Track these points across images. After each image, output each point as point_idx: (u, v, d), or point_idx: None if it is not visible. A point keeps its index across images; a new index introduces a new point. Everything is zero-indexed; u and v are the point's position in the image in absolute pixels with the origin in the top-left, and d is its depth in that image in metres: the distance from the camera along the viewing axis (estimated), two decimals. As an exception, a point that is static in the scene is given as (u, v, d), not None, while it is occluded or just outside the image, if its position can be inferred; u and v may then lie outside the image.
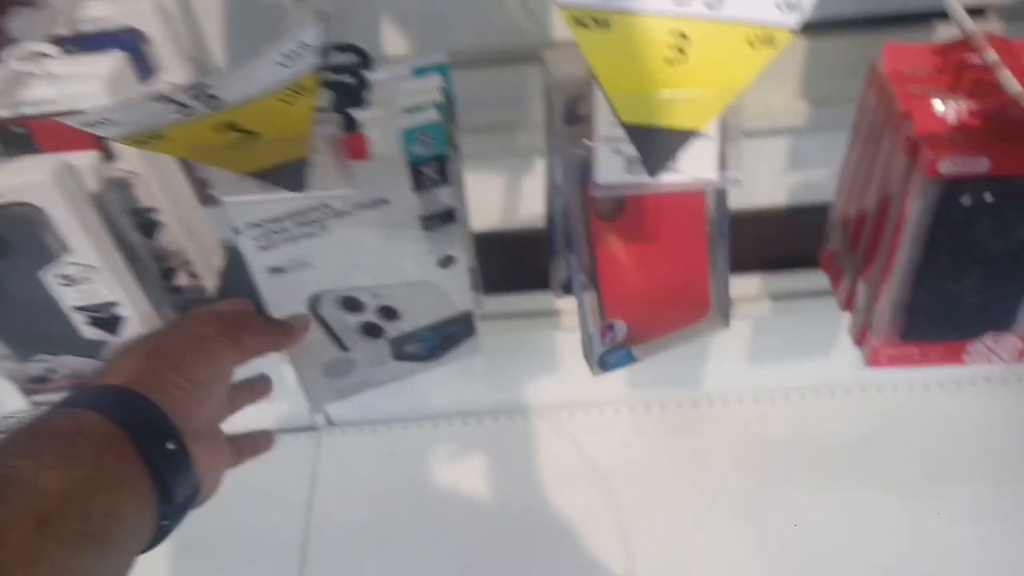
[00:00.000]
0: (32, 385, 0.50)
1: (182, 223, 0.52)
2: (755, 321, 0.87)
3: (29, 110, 0.45)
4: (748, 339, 0.89)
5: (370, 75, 0.42)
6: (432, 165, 0.42)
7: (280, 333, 0.47)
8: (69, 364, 0.49)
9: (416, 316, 0.51)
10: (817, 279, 0.80)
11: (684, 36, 0.30)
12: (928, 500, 0.84)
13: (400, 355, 0.53)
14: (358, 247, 0.46)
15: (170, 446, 0.37)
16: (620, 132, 0.31)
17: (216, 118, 0.31)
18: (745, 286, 0.78)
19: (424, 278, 0.49)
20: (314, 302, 0.48)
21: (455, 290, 0.50)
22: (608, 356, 0.52)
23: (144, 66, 0.51)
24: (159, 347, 0.41)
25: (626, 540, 0.87)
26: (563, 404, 0.92)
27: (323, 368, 0.52)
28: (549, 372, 0.90)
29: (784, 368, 0.92)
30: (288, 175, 0.34)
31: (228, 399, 0.46)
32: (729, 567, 0.85)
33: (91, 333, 0.48)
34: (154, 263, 0.52)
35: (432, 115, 0.40)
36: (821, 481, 0.86)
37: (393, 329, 0.51)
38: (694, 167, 0.31)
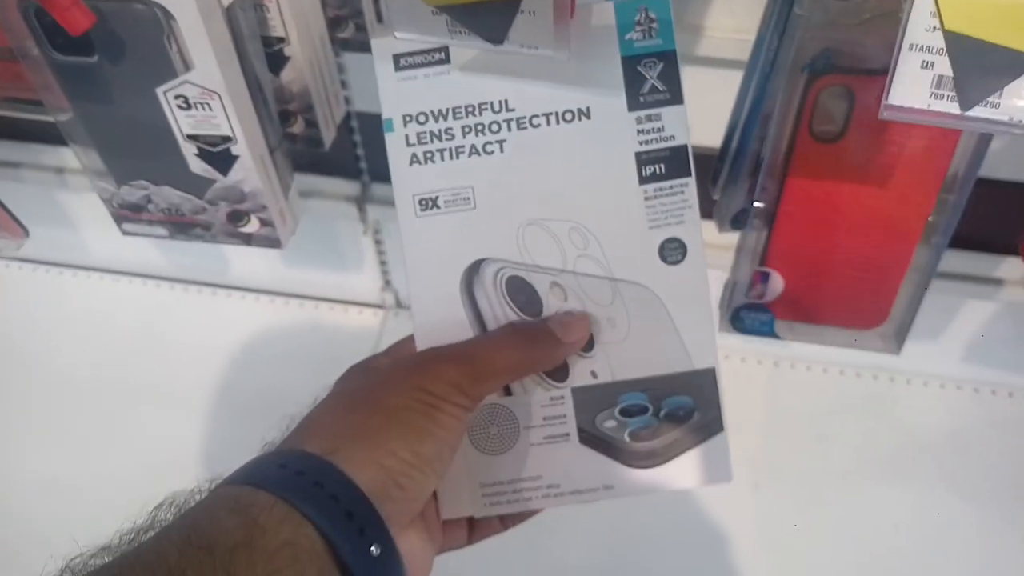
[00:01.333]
0: (125, 212, 0.46)
1: (310, 63, 0.46)
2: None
3: None
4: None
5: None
6: (653, 64, 0.33)
7: (536, 352, 0.33)
8: (168, 197, 0.44)
9: (618, 353, 0.34)
10: (950, 260, 0.72)
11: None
12: (1012, 517, 0.78)
13: (589, 433, 0.34)
14: (542, 185, 0.34)
15: (375, 550, 0.27)
16: (937, 41, 0.24)
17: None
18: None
19: (636, 275, 0.34)
20: (472, 278, 0.34)
21: (687, 318, 0.34)
22: (747, 313, 0.45)
23: None
24: (376, 401, 0.30)
25: (666, 496, 0.82)
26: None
27: (469, 422, 0.34)
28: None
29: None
30: (488, 18, 0.27)
31: None
32: (774, 539, 0.81)
33: (198, 167, 0.43)
34: (274, 102, 0.46)
35: None
36: (898, 472, 0.81)
37: (581, 368, 0.34)
38: (1021, 106, 0.24)
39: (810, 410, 0.85)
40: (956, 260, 0.71)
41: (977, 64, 0.24)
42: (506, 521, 0.36)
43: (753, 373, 0.87)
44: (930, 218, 0.38)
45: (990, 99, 0.25)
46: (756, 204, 0.38)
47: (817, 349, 0.87)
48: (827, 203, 0.38)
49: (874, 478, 0.80)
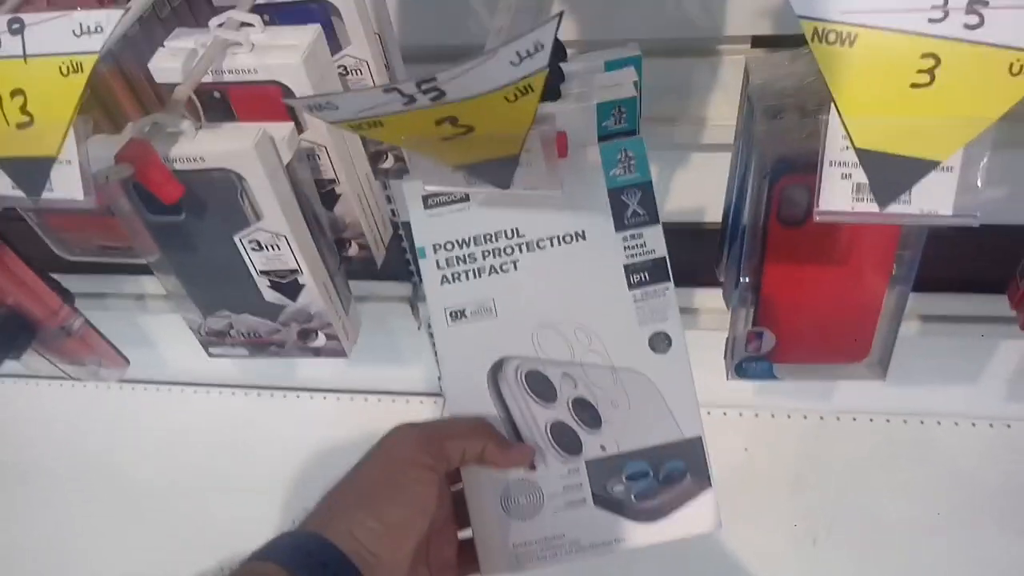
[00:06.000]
0: (211, 338, 0.53)
1: (358, 196, 0.54)
2: (900, 340, 0.83)
3: (229, 77, 0.47)
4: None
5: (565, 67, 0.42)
6: (633, 193, 0.40)
7: (492, 438, 0.40)
8: (247, 323, 0.52)
9: (621, 429, 0.41)
10: (970, 304, 0.75)
11: (936, 59, 0.28)
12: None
13: (602, 496, 0.42)
14: (550, 295, 0.41)
15: None
16: (851, 157, 0.30)
17: (438, 111, 0.31)
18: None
19: (632, 364, 0.41)
20: (497, 374, 0.41)
21: (675, 396, 0.41)
22: (748, 364, 0.50)
23: (334, 39, 0.52)
24: (353, 481, 0.37)
25: (730, 552, 0.84)
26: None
27: (502, 495, 0.42)
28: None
29: (923, 391, 0.87)
30: (495, 170, 0.34)
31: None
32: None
33: (271, 296, 0.50)
34: (331, 233, 0.53)
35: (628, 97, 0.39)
36: (948, 515, 0.81)
37: (592, 443, 0.41)
38: (928, 200, 0.29)
39: (857, 461, 0.87)
40: (970, 304, 0.74)
41: (886, 172, 0.30)
42: None
43: (797, 428, 0.90)
44: (892, 272, 0.43)
45: (902, 197, 0.30)
46: (743, 280, 0.44)
47: (854, 401, 0.89)
48: (801, 273, 0.44)
49: (925, 522, 0.81)
